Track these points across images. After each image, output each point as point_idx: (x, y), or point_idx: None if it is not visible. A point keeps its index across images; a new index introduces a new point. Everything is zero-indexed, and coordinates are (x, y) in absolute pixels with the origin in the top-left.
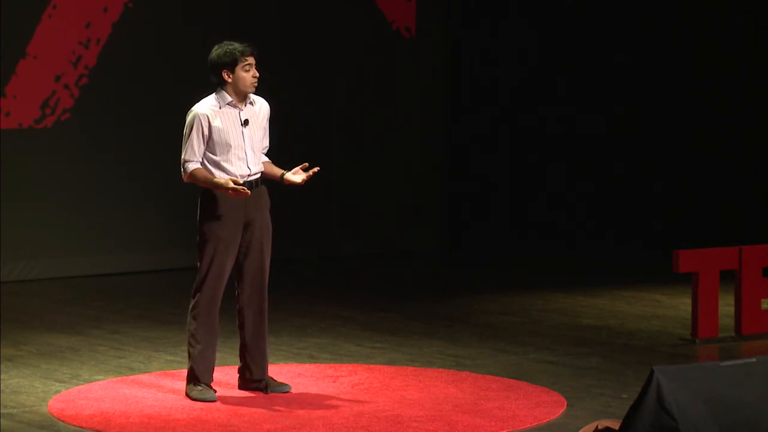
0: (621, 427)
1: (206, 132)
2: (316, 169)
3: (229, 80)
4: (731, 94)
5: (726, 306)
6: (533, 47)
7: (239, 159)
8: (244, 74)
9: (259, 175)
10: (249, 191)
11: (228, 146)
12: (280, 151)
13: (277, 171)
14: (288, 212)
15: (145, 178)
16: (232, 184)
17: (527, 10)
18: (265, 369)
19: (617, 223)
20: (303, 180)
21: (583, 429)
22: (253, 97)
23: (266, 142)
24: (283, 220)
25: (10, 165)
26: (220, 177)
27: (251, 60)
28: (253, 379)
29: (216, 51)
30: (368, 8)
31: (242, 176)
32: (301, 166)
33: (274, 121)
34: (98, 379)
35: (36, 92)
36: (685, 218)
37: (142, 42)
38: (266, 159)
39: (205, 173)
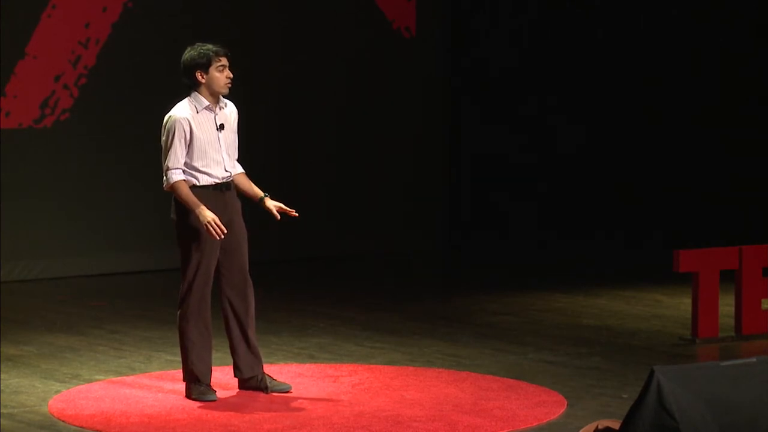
0: (621, 427)
1: (188, 137)
2: (293, 213)
3: (203, 81)
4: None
5: (726, 306)
6: (533, 47)
7: (217, 163)
8: (218, 75)
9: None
10: (223, 234)
11: (206, 152)
12: (279, 151)
13: (258, 192)
14: None
15: (145, 177)
16: (213, 224)
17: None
18: (254, 366)
19: (619, 224)
20: (278, 216)
21: (583, 429)
22: (224, 100)
23: (236, 150)
24: (282, 220)
25: (10, 165)
26: (203, 211)
27: (225, 61)
28: (244, 378)
29: (189, 52)
30: (368, 8)
31: (222, 178)
32: (287, 209)
33: (275, 120)
34: (98, 379)
35: (36, 92)
36: (689, 218)
37: (142, 42)
38: (241, 170)
39: (188, 192)
